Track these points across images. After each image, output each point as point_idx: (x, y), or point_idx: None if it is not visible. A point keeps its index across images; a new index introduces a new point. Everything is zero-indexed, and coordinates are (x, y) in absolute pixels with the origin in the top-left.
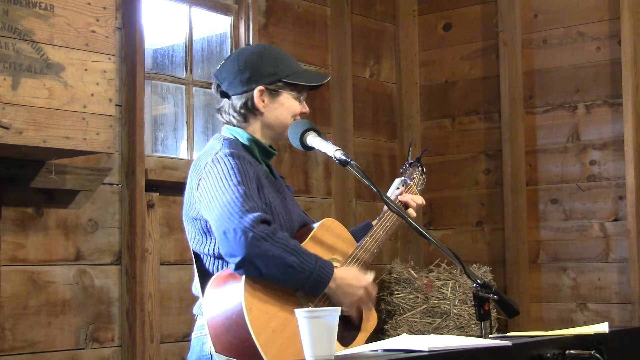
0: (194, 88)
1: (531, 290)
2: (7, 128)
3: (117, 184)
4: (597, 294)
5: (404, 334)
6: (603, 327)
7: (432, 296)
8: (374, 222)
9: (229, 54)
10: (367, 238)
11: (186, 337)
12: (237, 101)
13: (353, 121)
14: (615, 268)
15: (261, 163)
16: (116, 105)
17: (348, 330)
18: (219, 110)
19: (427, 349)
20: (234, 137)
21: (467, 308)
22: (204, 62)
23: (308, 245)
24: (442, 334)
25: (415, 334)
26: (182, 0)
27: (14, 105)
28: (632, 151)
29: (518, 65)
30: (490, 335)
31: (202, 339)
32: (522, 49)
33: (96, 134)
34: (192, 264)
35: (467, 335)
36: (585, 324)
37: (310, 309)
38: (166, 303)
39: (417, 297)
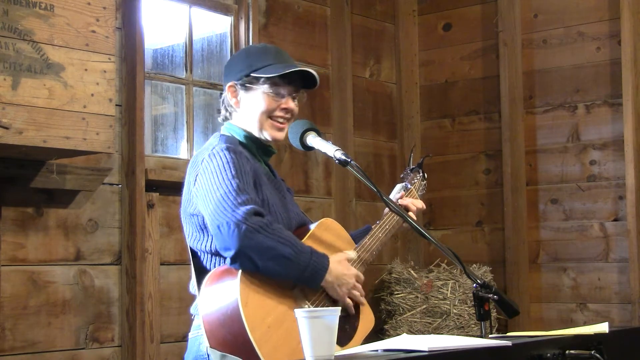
0: (194, 88)
1: (531, 290)
2: (7, 128)
3: (117, 184)
4: (597, 294)
5: (404, 334)
6: (603, 327)
7: (432, 296)
8: (373, 226)
9: (229, 54)
10: (367, 239)
11: (186, 337)
12: (222, 98)
13: (353, 121)
14: (615, 268)
15: (260, 161)
16: (116, 105)
17: (344, 330)
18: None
19: (427, 349)
20: (231, 134)
21: (467, 308)
22: (204, 62)
23: (307, 243)
24: (442, 334)
25: (415, 334)
26: (182, 0)
27: (14, 105)
28: (632, 151)
29: (518, 65)
30: (490, 335)
31: (199, 338)
32: (522, 49)
33: (96, 134)
34: (190, 262)
35: (467, 335)
36: (585, 324)
37: (310, 309)
38: (166, 303)
39: (417, 297)
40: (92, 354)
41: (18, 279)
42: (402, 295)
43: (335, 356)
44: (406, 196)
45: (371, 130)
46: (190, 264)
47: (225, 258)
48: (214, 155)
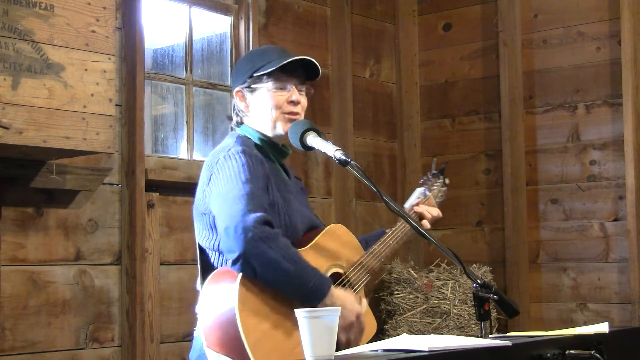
0: (194, 88)
1: (531, 290)
2: (7, 128)
3: (117, 184)
4: (597, 294)
5: (404, 334)
6: (603, 327)
7: (432, 296)
8: (387, 230)
9: (229, 54)
10: (376, 245)
11: (186, 337)
12: (232, 105)
13: (353, 121)
14: (615, 268)
15: (274, 162)
16: (116, 105)
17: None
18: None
19: (427, 349)
20: (247, 136)
21: (467, 308)
22: (204, 62)
23: (309, 252)
24: (442, 334)
25: (415, 334)
26: (182, 0)
27: (14, 105)
28: (632, 151)
29: (518, 65)
30: (490, 335)
31: None
32: (522, 49)
33: (96, 134)
34: (197, 259)
35: (467, 335)
36: (585, 324)
37: (310, 309)
38: (166, 303)
39: (417, 297)
40: (92, 354)
41: (18, 279)
42: (402, 295)
43: (335, 356)
44: (423, 203)
45: (371, 130)
46: (197, 262)
47: None
48: (230, 157)
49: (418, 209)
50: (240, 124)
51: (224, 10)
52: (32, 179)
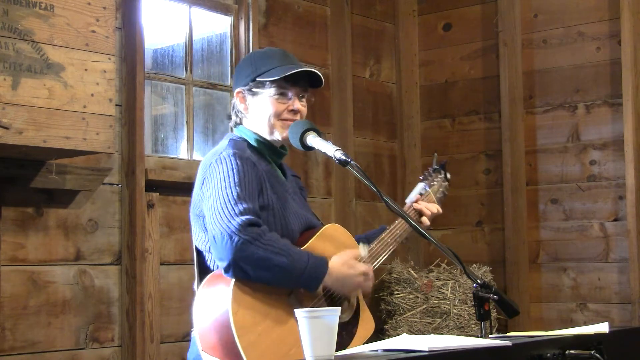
0: (194, 88)
1: (531, 290)
2: (7, 128)
3: (117, 184)
4: (597, 294)
5: (404, 334)
6: (603, 327)
7: (432, 296)
8: (388, 227)
9: (229, 54)
10: (374, 244)
11: (186, 337)
12: (232, 104)
13: (353, 121)
14: (615, 268)
15: (271, 163)
16: (116, 105)
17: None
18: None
19: (427, 349)
20: (242, 137)
21: (467, 308)
22: (204, 62)
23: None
24: (442, 334)
25: (415, 334)
26: (182, 0)
27: (14, 105)
28: (632, 151)
29: (518, 65)
30: (490, 335)
31: None
32: (522, 49)
33: (96, 134)
34: (193, 261)
35: (467, 335)
36: (585, 324)
37: (310, 309)
38: (166, 303)
39: (417, 297)
40: (92, 354)
41: (18, 279)
42: (402, 295)
43: (335, 356)
44: (423, 199)
45: (371, 130)
46: (194, 263)
47: None
48: (221, 161)
49: (417, 206)
50: (238, 124)
51: (224, 10)
52: (32, 179)
